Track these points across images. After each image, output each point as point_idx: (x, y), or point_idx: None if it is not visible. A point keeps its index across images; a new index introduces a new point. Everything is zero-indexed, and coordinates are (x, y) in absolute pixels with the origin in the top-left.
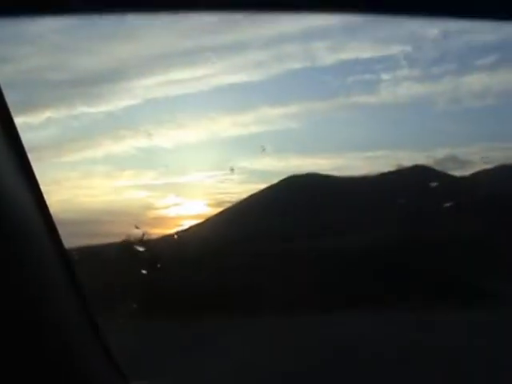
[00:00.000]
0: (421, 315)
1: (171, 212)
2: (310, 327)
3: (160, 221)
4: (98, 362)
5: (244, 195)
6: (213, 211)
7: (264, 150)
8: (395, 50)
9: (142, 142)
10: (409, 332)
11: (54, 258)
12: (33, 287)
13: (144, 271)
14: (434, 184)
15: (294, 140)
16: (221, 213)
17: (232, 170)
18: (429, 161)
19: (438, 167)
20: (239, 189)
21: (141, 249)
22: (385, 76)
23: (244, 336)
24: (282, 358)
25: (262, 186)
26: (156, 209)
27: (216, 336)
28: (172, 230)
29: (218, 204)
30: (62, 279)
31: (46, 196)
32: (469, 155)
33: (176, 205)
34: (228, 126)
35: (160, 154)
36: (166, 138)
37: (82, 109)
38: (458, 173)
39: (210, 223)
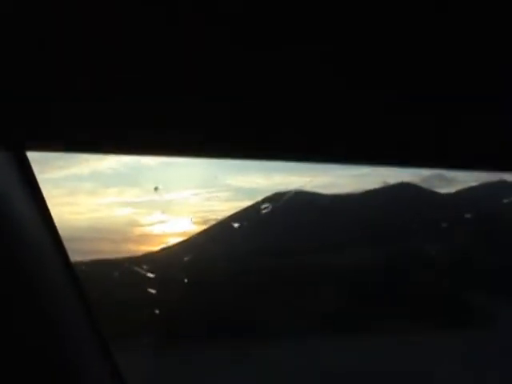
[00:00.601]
0: (410, 335)
1: (156, 229)
2: (298, 349)
3: (145, 238)
4: (106, 381)
5: (229, 212)
6: (198, 228)
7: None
8: None
9: (127, 158)
10: (398, 352)
11: (61, 272)
12: (38, 302)
13: (129, 290)
14: (420, 201)
15: None
16: (206, 230)
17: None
18: (414, 178)
19: (424, 185)
20: (225, 206)
21: (128, 267)
22: None
23: (236, 358)
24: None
25: (248, 203)
26: (141, 226)
27: (206, 356)
28: (157, 247)
29: (204, 221)
30: (69, 294)
31: None
32: (455, 173)
33: (161, 222)
34: None
35: (145, 170)
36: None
37: None
38: (444, 190)
39: (196, 240)
